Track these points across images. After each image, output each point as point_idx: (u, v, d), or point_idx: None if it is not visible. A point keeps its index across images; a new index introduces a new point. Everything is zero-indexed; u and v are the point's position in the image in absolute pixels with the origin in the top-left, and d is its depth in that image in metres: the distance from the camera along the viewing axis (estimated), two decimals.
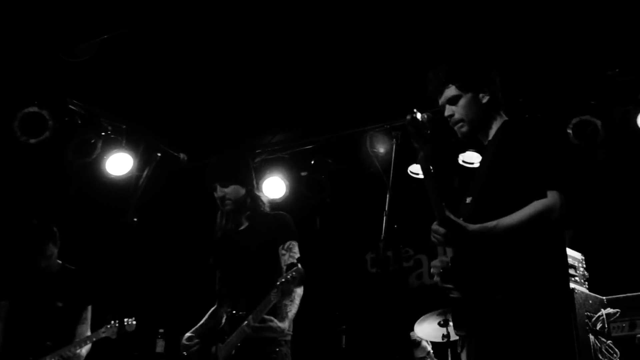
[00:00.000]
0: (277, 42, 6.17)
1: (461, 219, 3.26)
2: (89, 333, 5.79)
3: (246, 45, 6.20)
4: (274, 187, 7.92)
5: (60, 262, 5.91)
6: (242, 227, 4.84)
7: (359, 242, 8.48)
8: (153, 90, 6.85)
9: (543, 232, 3.19)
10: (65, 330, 5.70)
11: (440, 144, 7.38)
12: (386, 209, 4.15)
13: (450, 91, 3.56)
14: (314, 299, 8.16)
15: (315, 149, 7.82)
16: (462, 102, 3.53)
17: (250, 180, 4.89)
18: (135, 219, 4.78)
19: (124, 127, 7.21)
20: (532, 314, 3.11)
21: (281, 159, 7.98)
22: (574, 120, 6.63)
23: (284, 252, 4.61)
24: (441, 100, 3.61)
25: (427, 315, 6.38)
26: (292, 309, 4.51)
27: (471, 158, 7.22)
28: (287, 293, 4.29)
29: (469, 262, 3.29)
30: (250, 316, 4.28)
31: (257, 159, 8.03)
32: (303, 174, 7.95)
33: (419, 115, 3.16)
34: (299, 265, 4.37)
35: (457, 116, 3.54)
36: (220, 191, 4.77)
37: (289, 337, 4.58)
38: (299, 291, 4.53)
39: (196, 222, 8.40)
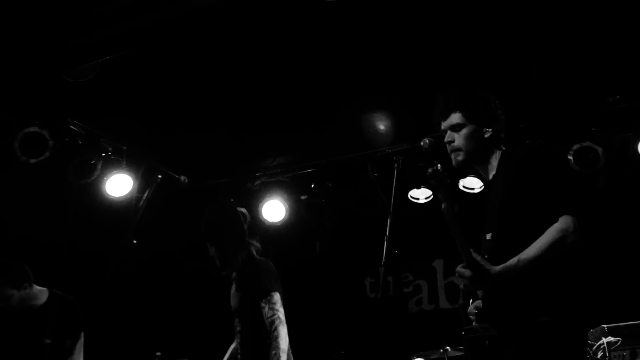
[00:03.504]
0: (279, 65, 6.19)
1: (485, 256, 3.28)
2: None
3: (248, 67, 6.22)
4: (273, 210, 7.90)
5: (47, 291, 5.54)
6: (234, 275, 4.93)
7: (358, 267, 8.45)
8: (154, 111, 6.85)
9: (570, 261, 3.23)
10: None
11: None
12: (387, 234, 4.13)
13: (456, 118, 3.60)
14: (313, 324, 8.15)
15: (315, 173, 7.82)
16: (464, 131, 3.58)
17: (235, 235, 4.91)
18: (134, 241, 4.76)
19: (125, 148, 7.20)
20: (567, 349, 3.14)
21: (281, 182, 7.97)
22: (575, 147, 6.64)
23: (263, 304, 4.64)
24: (444, 125, 3.64)
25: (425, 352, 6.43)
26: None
27: (471, 183, 7.21)
28: None
29: (501, 299, 3.30)
30: None
31: (257, 182, 8.03)
32: (303, 197, 7.94)
33: (439, 167, 3.22)
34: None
35: (456, 144, 3.59)
36: (210, 251, 4.92)
37: None
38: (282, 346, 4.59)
39: (196, 245, 8.39)
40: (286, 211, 7.92)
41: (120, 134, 7.18)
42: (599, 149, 6.54)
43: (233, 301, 4.90)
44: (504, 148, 3.61)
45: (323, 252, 8.65)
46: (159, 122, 7.02)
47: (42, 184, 7.08)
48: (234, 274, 4.91)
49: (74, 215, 7.35)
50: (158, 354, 7.20)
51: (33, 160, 6.47)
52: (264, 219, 7.91)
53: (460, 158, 3.59)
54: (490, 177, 3.60)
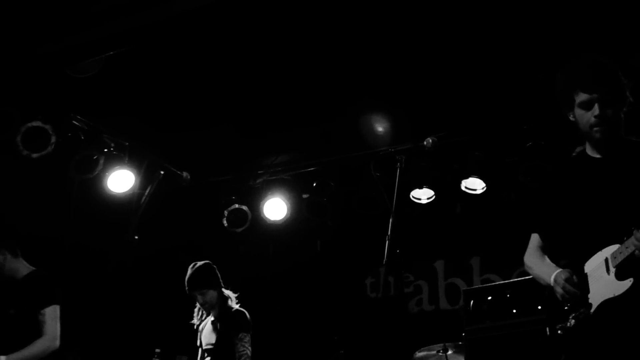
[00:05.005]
0: (282, 63, 6.19)
1: None
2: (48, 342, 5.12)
3: (252, 64, 6.22)
4: (275, 208, 7.89)
5: (32, 269, 5.34)
6: (213, 317, 6.04)
7: (359, 267, 8.43)
8: (157, 107, 6.85)
9: None
10: (15, 340, 5.06)
11: (443, 170, 7.38)
12: (388, 233, 4.12)
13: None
14: (313, 323, 8.14)
15: (317, 172, 7.81)
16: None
17: (218, 283, 6.01)
18: (136, 237, 4.75)
19: (127, 144, 7.19)
20: None
21: (283, 180, 7.96)
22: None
23: (237, 341, 5.80)
24: (593, 97, 3.48)
25: (426, 347, 6.40)
26: None
27: (474, 184, 7.17)
28: None
29: None
30: None
31: (259, 180, 8.02)
32: (305, 196, 7.93)
33: None
34: None
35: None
36: (200, 298, 6.01)
37: None
38: None
39: (197, 241, 8.38)
40: (288, 209, 7.91)
41: (123, 130, 7.18)
42: None
43: (206, 338, 5.99)
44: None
45: (324, 251, 8.64)
46: (162, 118, 7.02)
47: (44, 178, 7.08)
48: (212, 315, 6.03)
49: (76, 211, 7.35)
50: (157, 350, 7.19)
51: (35, 155, 6.47)
52: (266, 217, 7.90)
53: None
54: (602, 154, 3.60)
